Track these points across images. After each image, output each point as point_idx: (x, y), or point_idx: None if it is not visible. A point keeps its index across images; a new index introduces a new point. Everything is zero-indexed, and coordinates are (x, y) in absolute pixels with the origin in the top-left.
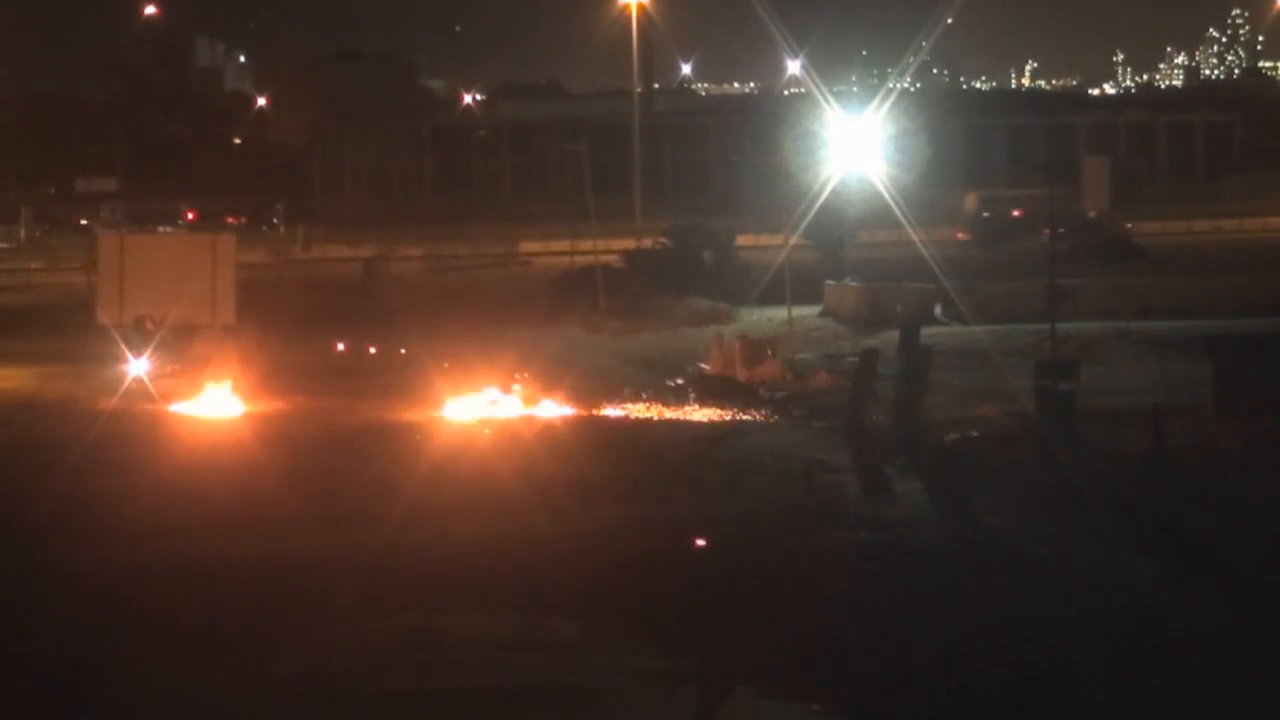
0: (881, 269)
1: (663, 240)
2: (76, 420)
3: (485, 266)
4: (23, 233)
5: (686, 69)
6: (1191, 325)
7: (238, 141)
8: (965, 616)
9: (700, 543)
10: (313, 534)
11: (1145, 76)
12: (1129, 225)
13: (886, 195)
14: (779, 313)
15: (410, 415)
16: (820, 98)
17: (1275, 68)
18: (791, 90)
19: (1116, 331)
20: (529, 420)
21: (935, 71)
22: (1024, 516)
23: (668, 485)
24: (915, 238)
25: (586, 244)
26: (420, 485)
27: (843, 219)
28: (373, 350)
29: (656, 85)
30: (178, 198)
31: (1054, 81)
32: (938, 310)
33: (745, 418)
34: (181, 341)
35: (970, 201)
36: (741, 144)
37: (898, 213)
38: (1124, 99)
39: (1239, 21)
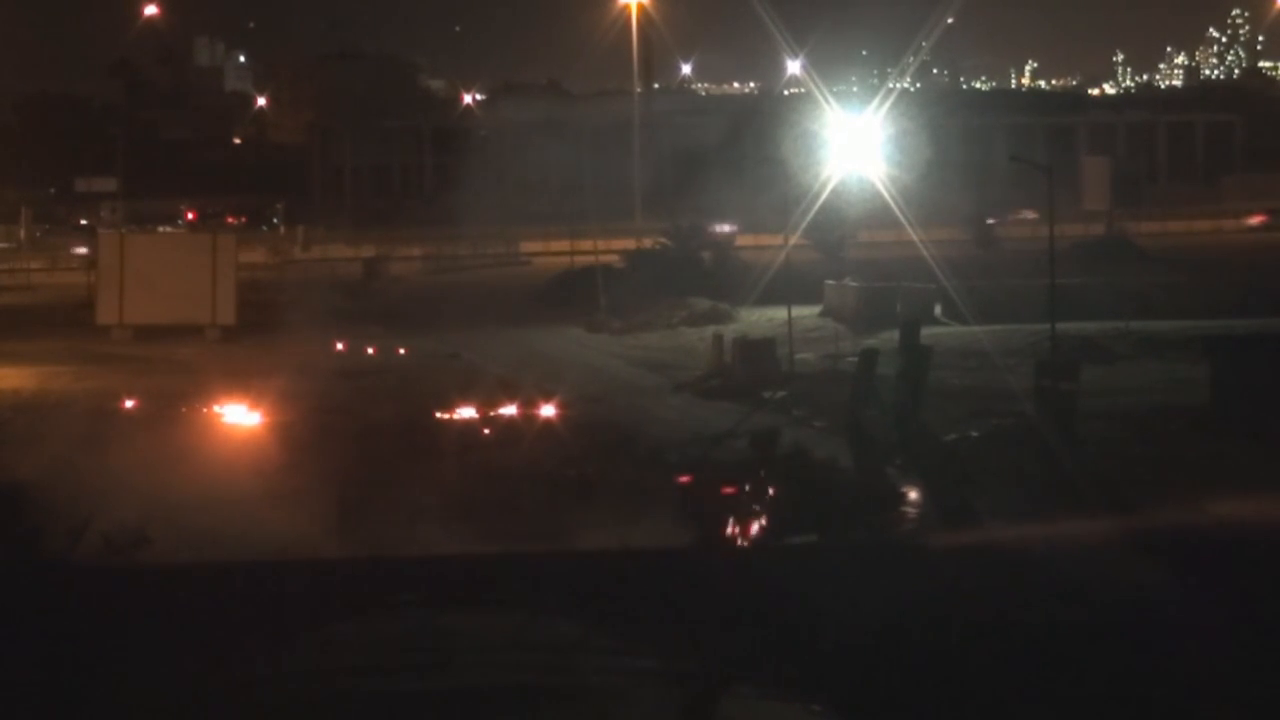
0: (881, 269)
1: (663, 240)
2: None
3: (485, 266)
4: (22, 233)
5: (686, 69)
6: (1191, 325)
7: (238, 141)
8: (965, 616)
9: (700, 542)
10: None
11: (1145, 76)
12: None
13: (886, 195)
14: (779, 313)
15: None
16: (820, 98)
17: (1275, 68)
18: (791, 90)
19: (1116, 331)
20: (532, 420)
21: (935, 71)
22: (1024, 516)
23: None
24: (915, 237)
25: (586, 244)
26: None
27: (843, 219)
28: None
29: (656, 85)
30: (178, 198)
31: (1054, 81)
32: (938, 310)
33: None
34: None
35: None
36: (743, 144)
37: (898, 213)
38: (1124, 99)
39: (1239, 21)
